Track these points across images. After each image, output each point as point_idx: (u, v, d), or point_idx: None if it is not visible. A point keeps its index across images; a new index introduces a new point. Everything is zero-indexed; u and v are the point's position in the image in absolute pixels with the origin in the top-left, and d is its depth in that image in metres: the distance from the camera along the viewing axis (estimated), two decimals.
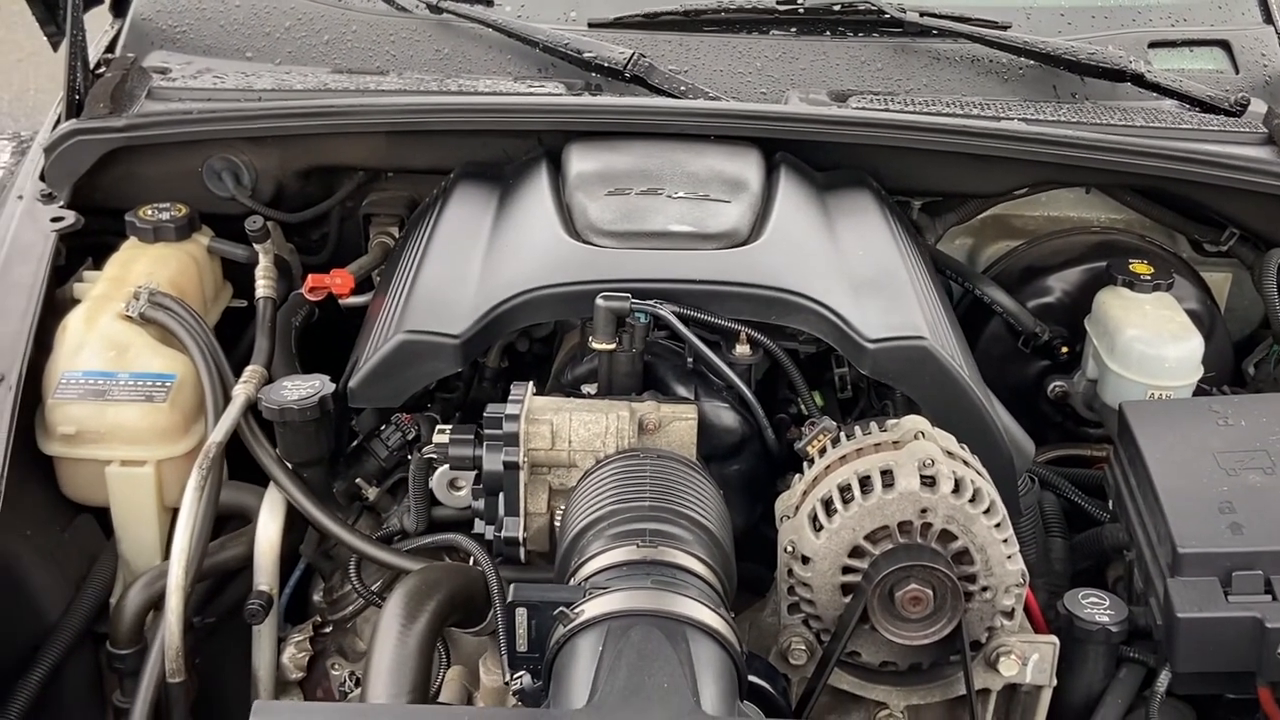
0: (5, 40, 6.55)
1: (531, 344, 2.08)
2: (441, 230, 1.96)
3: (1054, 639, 1.60)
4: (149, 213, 2.10)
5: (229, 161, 2.15)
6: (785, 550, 1.55)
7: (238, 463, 1.84)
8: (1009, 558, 1.52)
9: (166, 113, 2.10)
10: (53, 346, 1.88)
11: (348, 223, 2.28)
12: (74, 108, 2.12)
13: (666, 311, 1.71)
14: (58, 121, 2.17)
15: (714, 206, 1.90)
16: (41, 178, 2.12)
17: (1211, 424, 1.79)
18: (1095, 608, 1.68)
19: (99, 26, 2.40)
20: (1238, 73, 2.38)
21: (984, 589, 1.53)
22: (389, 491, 1.88)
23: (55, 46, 2.33)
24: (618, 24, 2.32)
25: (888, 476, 1.51)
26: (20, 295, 1.90)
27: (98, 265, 2.07)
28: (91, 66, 2.18)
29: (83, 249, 2.10)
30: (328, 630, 1.89)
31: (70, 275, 2.04)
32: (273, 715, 1.34)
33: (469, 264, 1.85)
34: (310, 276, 2.04)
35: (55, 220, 2.04)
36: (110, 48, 2.33)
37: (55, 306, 1.95)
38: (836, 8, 2.33)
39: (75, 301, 1.98)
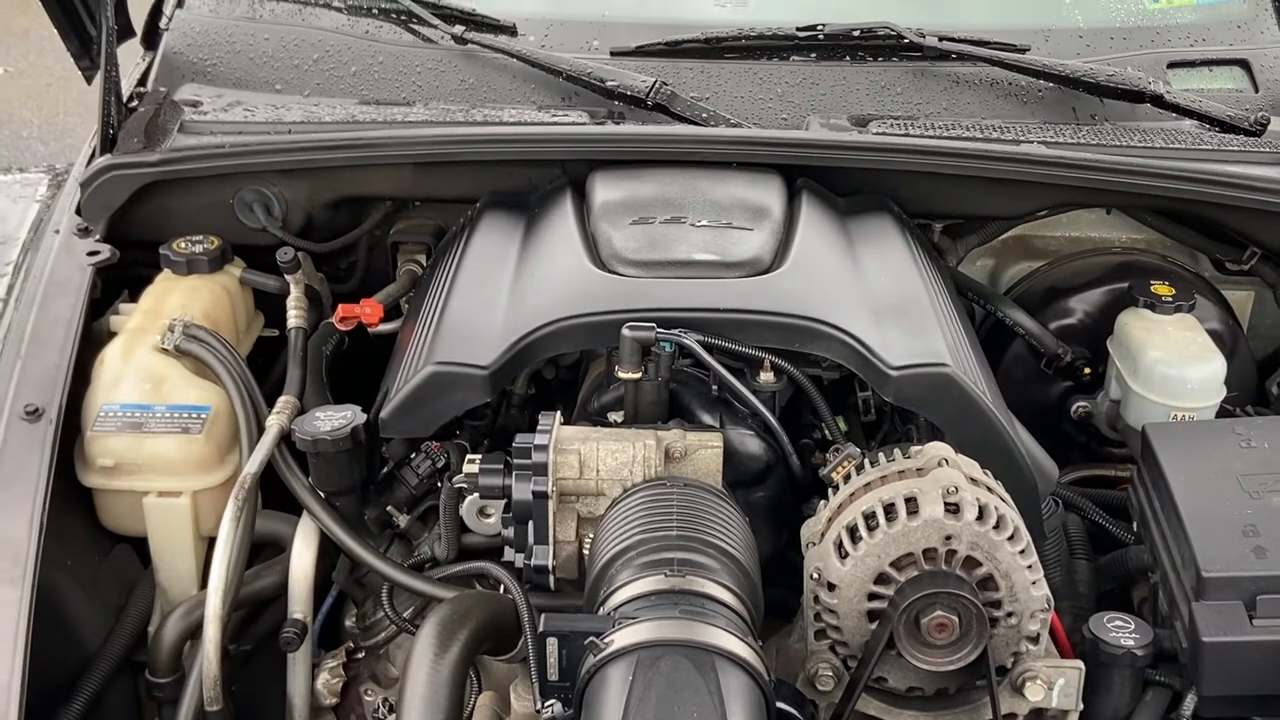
0: (35, 65, 6.65)
1: (558, 371, 2.10)
2: (468, 260, 1.99)
3: (1079, 663, 1.60)
4: (182, 245, 2.14)
5: (260, 193, 2.18)
6: (811, 577, 1.57)
7: (271, 492, 1.86)
8: (1034, 583, 1.53)
9: (199, 147, 2.13)
10: (91, 379, 1.92)
11: (375, 251, 2.32)
12: (108, 142, 2.16)
13: (691, 340, 1.73)
14: (92, 156, 2.21)
15: (737, 234, 1.92)
16: (78, 212, 2.15)
17: (1235, 446, 1.79)
18: (1120, 631, 1.68)
19: (130, 60, 2.44)
20: (1257, 91, 2.37)
21: (1009, 614, 1.54)
22: (419, 519, 1.90)
23: (89, 80, 2.37)
24: (639, 52, 2.34)
25: (912, 504, 1.52)
26: (59, 329, 1.94)
27: (133, 298, 2.11)
28: (124, 99, 2.22)
29: (118, 282, 2.14)
30: (360, 656, 1.91)
31: (107, 308, 2.08)
32: None
33: (496, 293, 1.87)
34: (340, 306, 2.08)
35: (91, 254, 2.07)
36: (142, 80, 2.36)
37: (93, 340, 1.99)
38: (856, 33, 2.34)
39: (112, 334, 2.01)
